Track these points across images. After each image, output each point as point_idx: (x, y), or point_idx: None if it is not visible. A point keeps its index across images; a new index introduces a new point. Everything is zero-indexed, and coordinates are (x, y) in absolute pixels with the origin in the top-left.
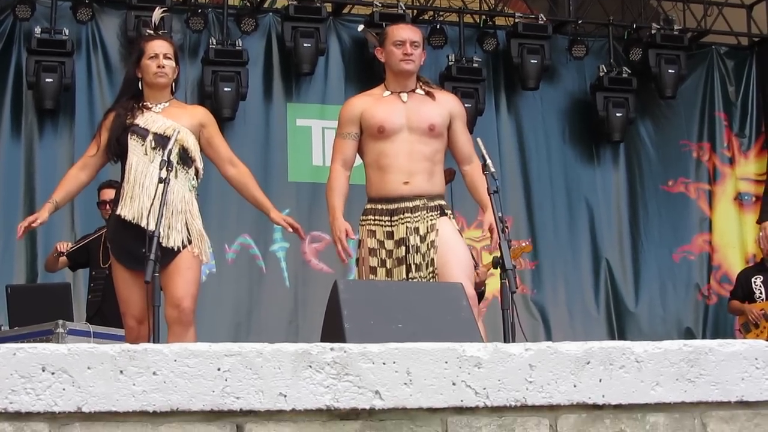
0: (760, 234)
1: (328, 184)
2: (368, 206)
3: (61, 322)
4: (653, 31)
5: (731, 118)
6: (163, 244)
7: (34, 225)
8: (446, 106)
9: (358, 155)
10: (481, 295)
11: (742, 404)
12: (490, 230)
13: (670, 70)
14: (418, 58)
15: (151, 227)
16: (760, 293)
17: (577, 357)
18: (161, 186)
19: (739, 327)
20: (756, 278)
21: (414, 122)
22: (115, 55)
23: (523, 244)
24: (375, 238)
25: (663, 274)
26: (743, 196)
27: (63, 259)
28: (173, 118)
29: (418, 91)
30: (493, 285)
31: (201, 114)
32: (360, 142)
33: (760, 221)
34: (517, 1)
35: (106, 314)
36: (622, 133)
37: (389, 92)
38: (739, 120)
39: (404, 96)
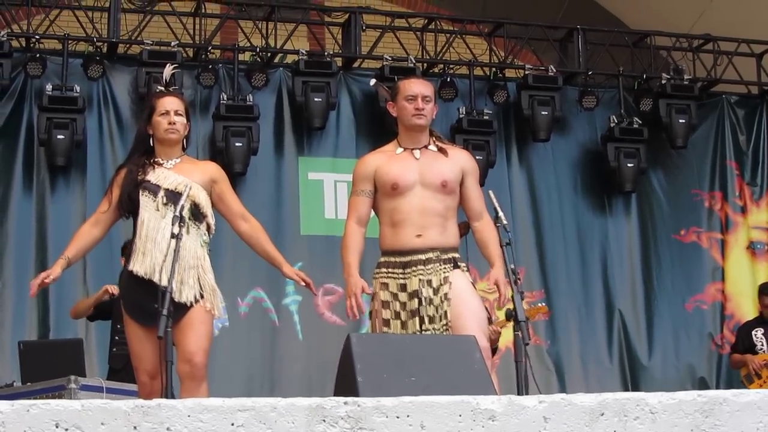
0: None
1: (343, 241)
2: (382, 259)
3: (73, 377)
4: (663, 81)
5: (742, 167)
6: (176, 300)
7: (47, 281)
8: (459, 162)
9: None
10: (494, 351)
11: None
12: (497, 285)
13: (680, 120)
14: (430, 113)
15: (164, 283)
16: (762, 345)
17: (592, 409)
18: (173, 241)
19: (742, 378)
20: (756, 331)
21: (427, 179)
22: (126, 111)
23: (539, 305)
24: (388, 290)
25: (676, 323)
26: (756, 244)
27: (90, 309)
28: (185, 174)
29: (431, 147)
30: (506, 337)
31: (212, 170)
32: (374, 198)
33: None
34: (527, 53)
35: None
36: (634, 184)
37: (402, 149)
38: (750, 168)
39: (417, 153)
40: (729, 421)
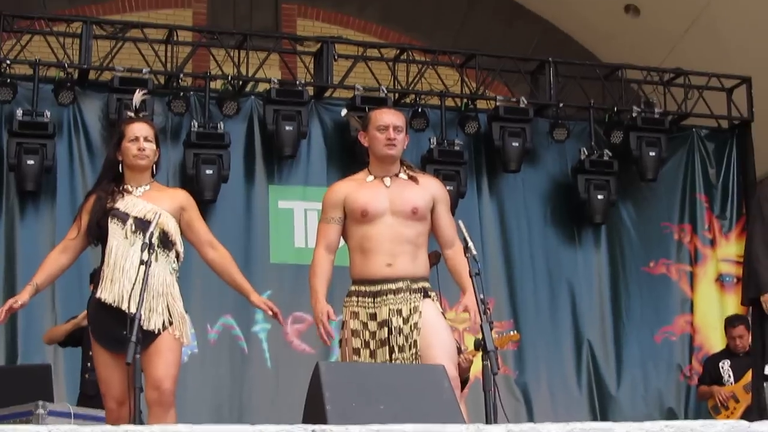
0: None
1: (311, 268)
2: (352, 288)
3: (41, 402)
4: (634, 114)
5: (712, 200)
6: (144, 327)
7: (15, 307)
8: (429, 189)
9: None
10: (464, 383)
11: None
12: (468, 311)
13: (651, 153)
14: (401, 143)
15: (132, 310)
16: (729, 377)
17: None
18: (142, 268)
19: (710, 410)
20: (723, 363)
21: (397, 206)
22: (96, 137)
23: (511, 332)
24: (358, 319)
25: (645, 354)
26: (724, 277)
27: (60, 335)
28: (154, 202)
29: (402, 175)
30: (475, 366)
31: (181, 197)
32: (344, 226)
33: (742, 303)
34: (498, 84)
35: None
36: (604, 216)
37: (373, 177)
38: (720, 202)
39: (387, 180)
40: None
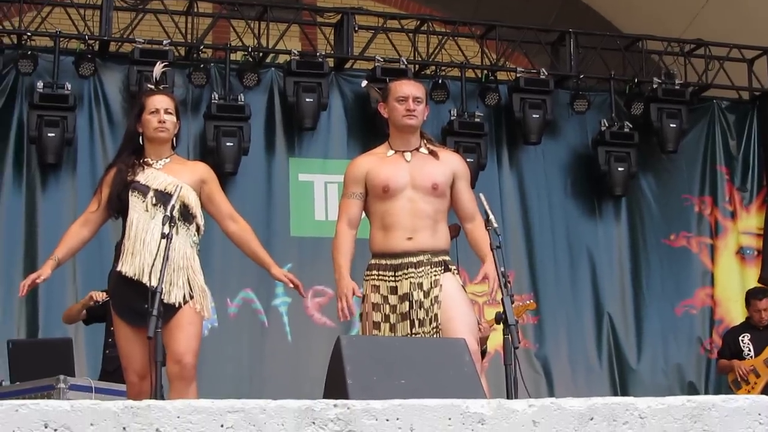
0: None
1: (334, 243)
2: (372, 261)
3: (62, 377)
4: (655, 86)
5: (733, 172)
6: (165, 301)
7: (37, 282)
8: (450, 165)
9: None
10: (483, 353)
11: None
12: (486, 278)
13: (671, 125)
14: (421, 114)
15: (153, 283)
16: (749, 350)
17: (581, 413)
18: (163, 242)
19: (730, 384)
20: (743, 336)
21: (418, 181)
22: (117, 109)
23: (527, 302)
24: (379, 293)
25: (665, 327)
26: (745, 250)
27: (83, 313)
28: (174, 175)
29: (422, 149)
30: (495, 340)
31: (202, 170)
32: (365, 201)
33: (762, 280)
34: (518, 55)
35: None
36: (624, 188)
37: (393, 151)
38: (740, 174)
39: (408, 155)
40: (718, 426)
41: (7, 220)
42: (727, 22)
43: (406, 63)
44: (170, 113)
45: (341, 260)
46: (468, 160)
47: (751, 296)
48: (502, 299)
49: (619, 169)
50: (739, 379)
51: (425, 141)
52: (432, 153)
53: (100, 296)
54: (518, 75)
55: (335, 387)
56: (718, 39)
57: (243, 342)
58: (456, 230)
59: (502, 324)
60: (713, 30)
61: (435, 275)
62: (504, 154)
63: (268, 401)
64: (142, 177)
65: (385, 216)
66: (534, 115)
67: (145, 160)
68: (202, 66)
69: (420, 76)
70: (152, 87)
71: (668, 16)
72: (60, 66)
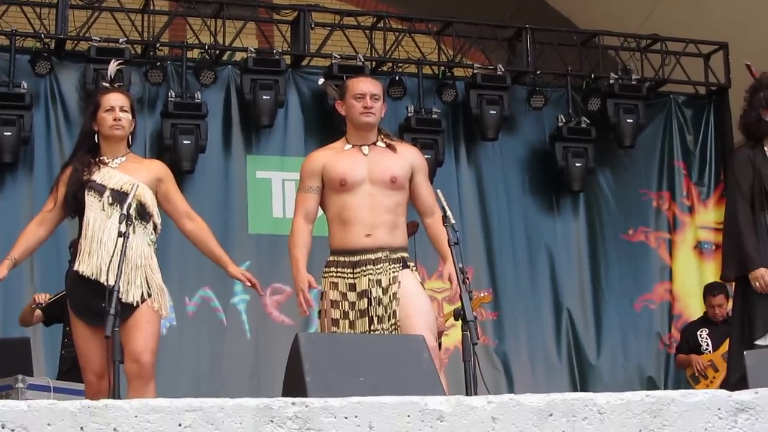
0: (757, 284)
1: (290, 238)
2: (331, 258)
3: (20, 377)
4: (611, 81)
5: (690, 167)
6: (123, 300)
7: None
8: (407, 158)
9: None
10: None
11: None
12: (450, 280)
13: (628, 120)
14: (379, 111)
15: (111, 282)
16: (707, 345)
17: (540, 409)
18: (120, 240)
19: (688, 379)
20: (701, 331)
21: (375, 175)
22: (74, 108)
23: (482, 294)
24: (337, 290)
25: (624, 323)
26: (703, 244)
27: (38, 312)
28: (130, 173)
29: (380, 143)
30: (454, 336)
31: (158, 168)
32: (322, 195)
33: (724, 278)
34: (475, 52)
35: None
36: (582, 183)
37: (350, 145)
38: (698, 169)
39: (365, 149)
40: (677, 421)
41: None
42: (684, 17)
43: (363, 60)
44: (126, 111)
45: (298, 254)
46: (426, 156)
47: (707, 292)
48: (460, 295)
49: (577, 164)
50: (697, 374)
51: (382, 136)
52: (389, 146)
53: (42, 298)
54: (475, 71)
55: (294, 385)
56: (675, 34)
57: (202, 340)
58: (414, 227)
59: (460, 320)
60: (669, 25)
61: (393, 272)
62: (462, 151)
63: (226, 400)
64: (98, 176)
65: (343, 211)
66: (491, 112)
67: (101, 158)
68: (158, 64)
69: (377, 73)
70: (107, 85)
71: (625, 12)
72: (16, 65)
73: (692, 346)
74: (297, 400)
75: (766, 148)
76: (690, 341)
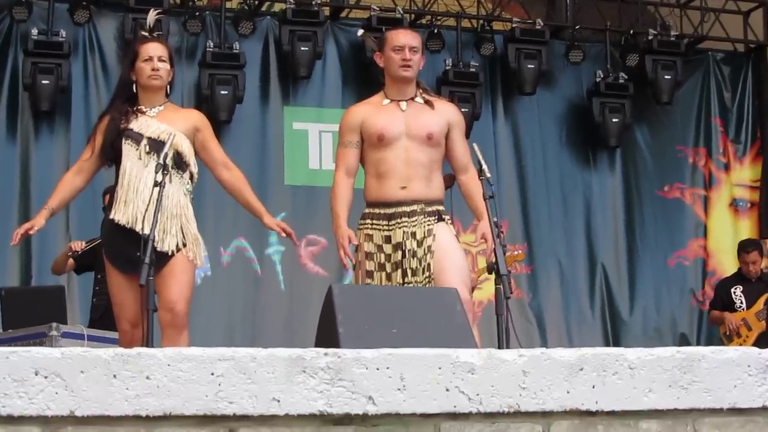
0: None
1: (332, 192)
2: (366, 210)
3: (54, 324)
4: (650, 37)
5: (727, 124)
6: (158, 249)
7: (31, 232)
8: (445, 115)
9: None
10: None
11: (735, 411)
12: (484, 239)
13: (666, 76)
14: (417, 64)
15: (146, 231)
16: (741, 303)
17: (571, 363)
18: (156, 190)
19: (721, 336)
20: (735, 288)
21: (412, 130)
22: (112, 57)
23: (516, 252)
24: (372, 242)
25: (658, 279)
26: (738, 202)
27: (70, 261)
28: (168, 122)
29: (418, 99)
30: (488, 290)
31: (195, 117)
32: (361, 149)
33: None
34: (514, 5)
35: (112, 318)
36: (619, 139)
37: (388, 100)
38: (735, 126)
39: (403, 105)
40: (707, 377)
41: (1, 168)
42: None
43: (401, 12)
44: (164, 61)
45: (339, 209)
46: (463, 110)
47: (741, 248)
48: (494, 249)
49: (614, 120)
50: (729, 332)
51: (421, 90)
52: (427, 102)
53: (78, 246)
54: (514, 26)
55: (327, 336)
56: None
57: (236, 291)
58: (450, 180)
59: (494, 274)
60: None
61: (428, 225)
62: (499, 105)
63: (258, 350)
64: (136, 125)
65: (380, 164)
66: (529, 66)
67: (139, 108)
68: (197, 14)
69: (415, 26)
70: (146, 34)
71: None
72: (55, 13)
73: (726, 302)
74: (329, 350)
75: None
76: (724, 298)
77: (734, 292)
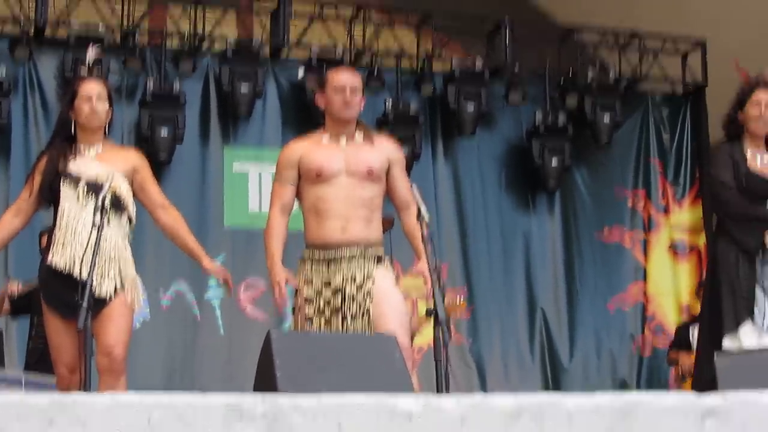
0: None
1: (266, 230)
2: (306, 252)
3: None
4: (589, 79)
5: (666, 166)
6: (96, 293)
7: None
8: (385, 151)
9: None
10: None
11: None
12: (425, 277)
13: (605, 117)
14: (358, 105)
15: (84, 275)
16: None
17: (509, 411)
18: (94, 232)
19: (677, 376)
20: (693, 328)
21: (352, 166)
22: (52, 95)
23: (457, 302)
24: (312, 287)
25: (598, 323)
26: (678, 245)
27: (6, 305)
28: (106, 163)
29: (357, 136)
30: (429, 335)
31: (134, 158)
32: (298, 187)
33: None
34: (454, 44)
35: (49, 361)
36: (558, 181)
37: (328, 137)
38: (673, 168)
39: (343, 141)
40: (645, 424)
41: None
42: (663, 15)
43: (341, 52)
44: (103, 100)
45: (273, 248)
46: (403, 151)
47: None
48: (433, 294)
49: (553, 162)
50: (683, 373)
51: (361, 129)
52: (367, 139)
53: (14, 287)
54: (453, 66)
55: (265, 381)
56: (654, 29)
57: (175, 335)
58: (389, 223)
59: (432, 319)
60: (649, 22)
61: (368, 268)
62: (439, 146)
63: (195, 396)
64: (74, 166)
65: (318, 203)
66: (469, 107)
67: (78, 147)
68: (137, 52)
69: (356, 65)
70: (86, 72)
71: (604, 8)
72: None
73: (684, 344)
74: (267, 397)
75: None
76: (682, 339)
77: (692, 333)
